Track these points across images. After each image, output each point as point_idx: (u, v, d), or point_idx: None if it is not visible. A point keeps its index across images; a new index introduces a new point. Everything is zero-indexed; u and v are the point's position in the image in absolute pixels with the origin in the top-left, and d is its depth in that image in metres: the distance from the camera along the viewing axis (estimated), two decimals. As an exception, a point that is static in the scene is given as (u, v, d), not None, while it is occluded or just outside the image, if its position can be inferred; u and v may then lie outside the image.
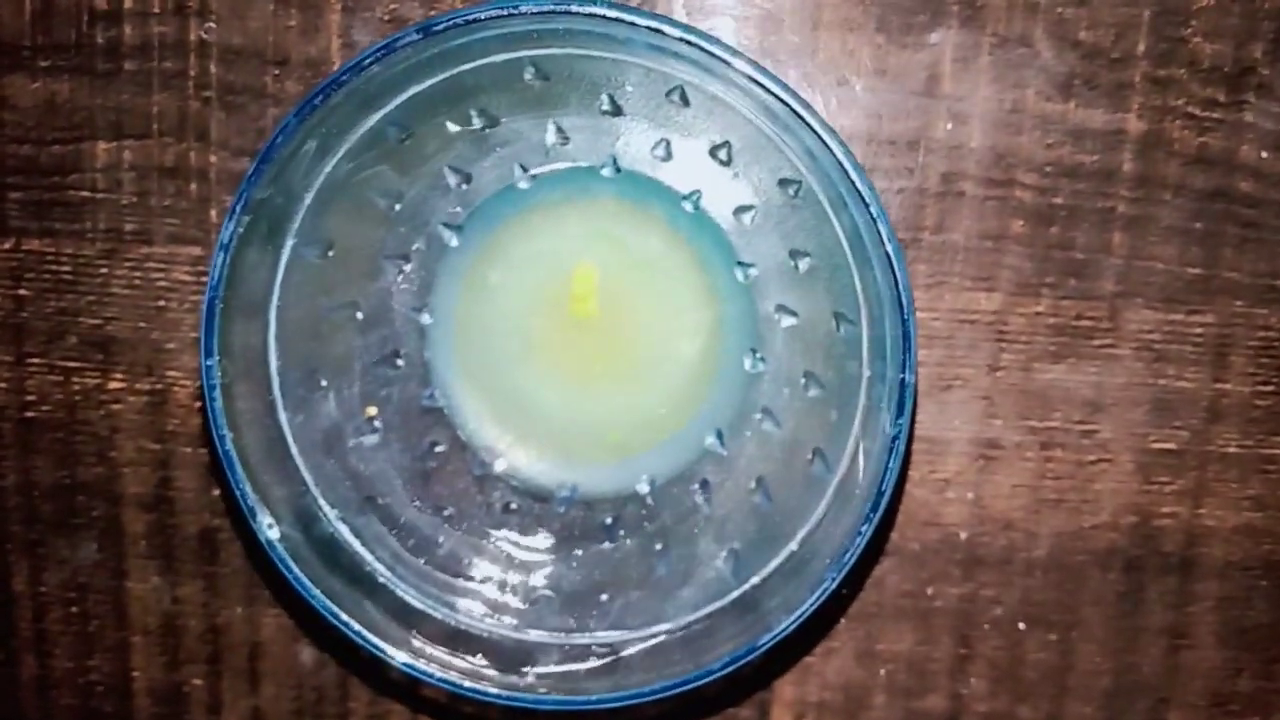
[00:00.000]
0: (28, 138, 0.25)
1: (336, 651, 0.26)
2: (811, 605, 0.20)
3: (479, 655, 0.21)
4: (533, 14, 0.18)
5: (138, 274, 0.26)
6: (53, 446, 0.26)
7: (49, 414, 0.26)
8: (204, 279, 0.26)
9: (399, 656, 0.20)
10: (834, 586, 0.19)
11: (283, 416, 0.21)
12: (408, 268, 0.24)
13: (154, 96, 0.25)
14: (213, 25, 0.25)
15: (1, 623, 0.27)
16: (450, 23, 0.18)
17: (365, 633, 0.20)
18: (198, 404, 0.26)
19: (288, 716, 0.27)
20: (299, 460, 0.21)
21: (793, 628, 0.20)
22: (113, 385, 0.26)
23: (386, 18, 0.24)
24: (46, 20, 0.25)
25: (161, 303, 0.26)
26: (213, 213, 0.25)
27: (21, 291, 0.26)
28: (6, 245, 0.26)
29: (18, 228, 0.26)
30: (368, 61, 0.18)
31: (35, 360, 0.26)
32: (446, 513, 0.24)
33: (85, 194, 0.26)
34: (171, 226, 0.26)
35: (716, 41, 0.19)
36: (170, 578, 0.27)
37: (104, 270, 0.26)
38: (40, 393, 0.26)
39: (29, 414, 0.26)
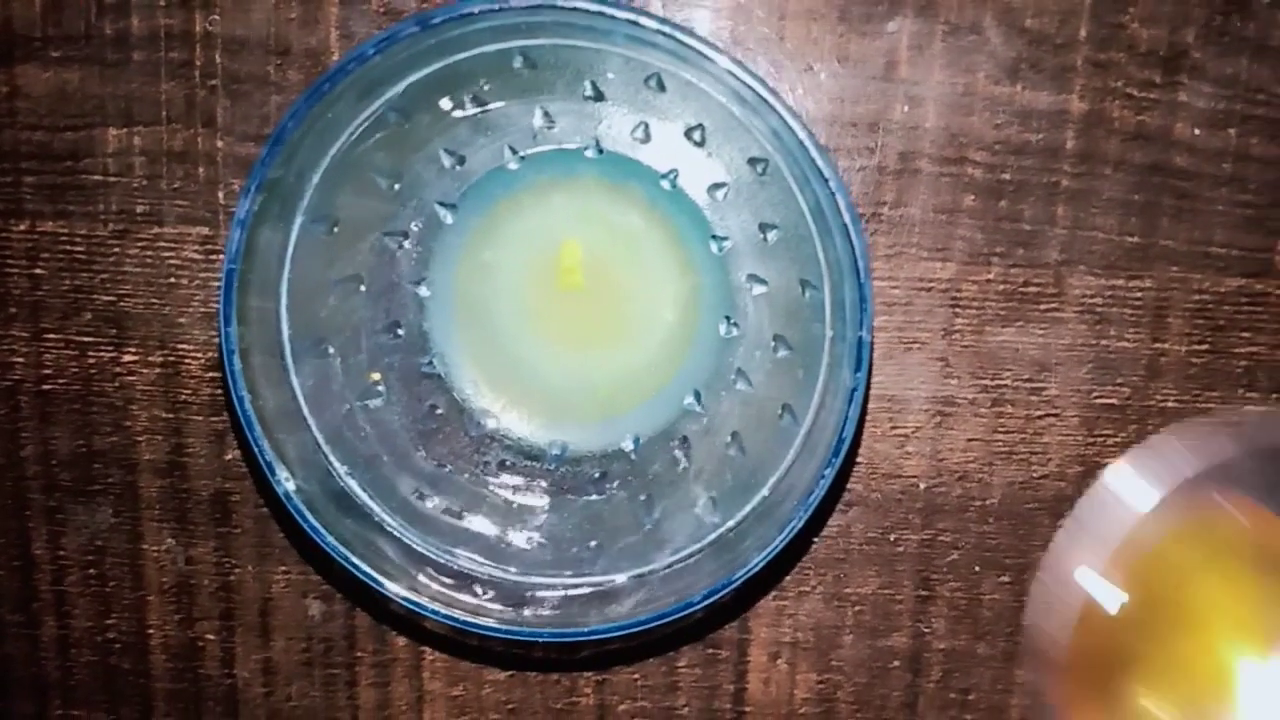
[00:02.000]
0: (41, 124, 0.27)
1: (344, 604, 0.28)
2: (781, 542, 0.21)
3: (480, 594, 0.23)
4: (522, 8, 0.20)
5: (149, 253, 0.27)
6: (70, 417, 0.28)
7: (66, 386, 0.28)
8: (213, 257, 0.27)
9: (406, 595, 0.22)
10: (800, 525, 0.21)
11: (294, 381, 0.23)
12: (407, 244, 0.25)
13: (162, 85, 0.26)
14: (217, 18, 0.26)
15: (23, 586, 0.28)
16: (446, 16, 0.20)
17: (374, 574, 0.22)
18: (209, 374, 0.27)
19: (298, 667, 0.28)
20: (310, 420, 0.23)
21: (764, 563, 0.22)
22: (127, 358, 0.27)
23: (381, 9, 0.26)
24: (57, 13, 0.26)
25: (172, 280, 0.27)
26: (220, 194, 0.27)
27: (38, 270, 0.27)
28: (22, 227, 0.27)
29: (33, 210, 0.27)
30: (371, 51, 0.20)
31: (52, 336, 0.28)
32: (447, 469, 0.25)
33: (97, 178, 0.27)
34: (181, 208, 0.27)
35: (690, 32, 0.20)
36: (184, 539, 0.28)
37: (116, 250, 0.27)
38: (57, 366, 0.28)
39: (47, 386, 0.28)
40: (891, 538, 0.28)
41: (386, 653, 0.28)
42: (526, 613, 0.22)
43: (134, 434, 0.28)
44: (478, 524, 0.25)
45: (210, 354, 0.27)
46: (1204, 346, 0.27)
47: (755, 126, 0.22)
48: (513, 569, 0.23)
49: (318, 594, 0.28)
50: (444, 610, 0.22)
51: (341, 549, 0.22)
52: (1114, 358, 0.27)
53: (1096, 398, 0.27)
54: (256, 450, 0.21)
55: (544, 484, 0.26)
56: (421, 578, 0.22)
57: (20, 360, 0.28)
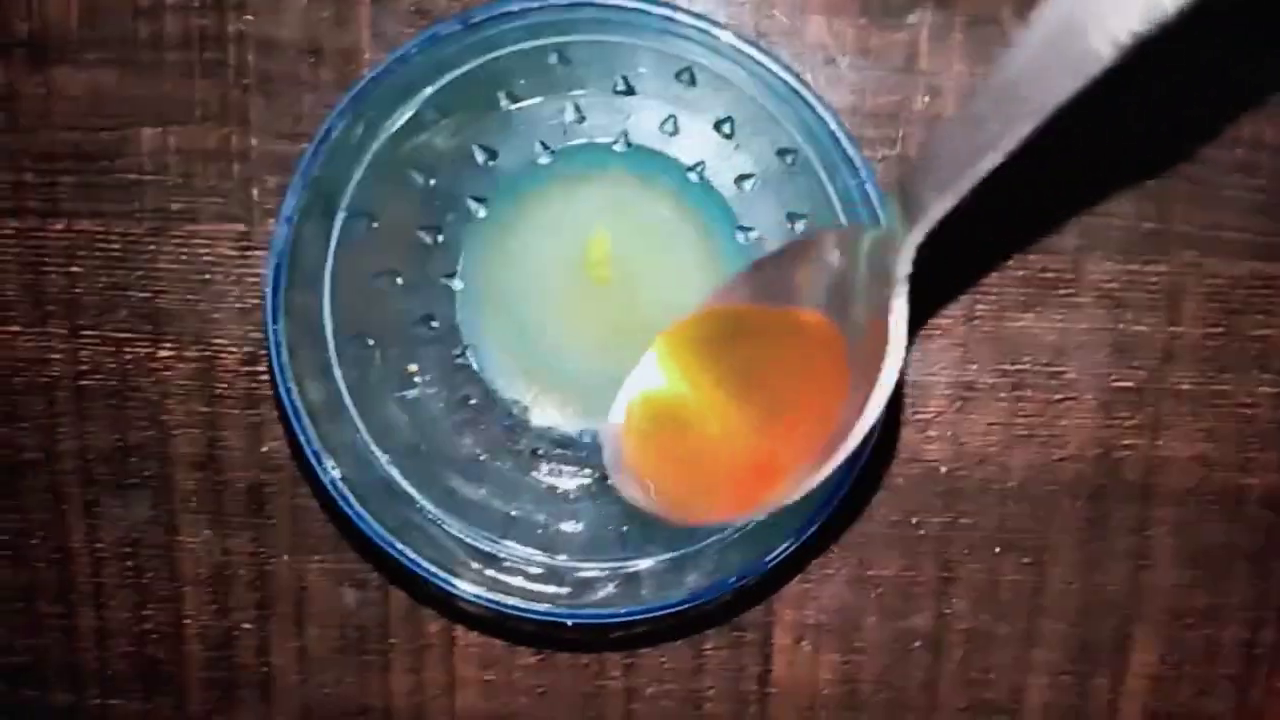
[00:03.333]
0: (77, 125, 0.27)
1: (377, 591, 0.29)
2: (810, 528, 0.22)
3: (518, 578, 0.23)
4: (560, 5, 0.20)
5: (184, 250, 0.28)
6: (107, 412, 0.28)
7: (102, 382, 0.28)
8: (248, 254, 0.28)
9: (448, 580, 0.23)
10: (829, 514, 0.22)
11: (337, 372, 0.23)
12: (440, 238, 0.26)
13: (196, 85, 0.27)
14: (250, 18, 0.27)
15: (61, 578, 0.29)
16: (488, 14, 0.20)
17: (418, 559, 0.22)
18: (244, 369, 0.28)
19: (332, 654, 0.29)
20: (352, 411, 0.23)
21: (792, 549, 0.22)
22: (162, 353, 0.28)
23: (413, 8, 0.26)
24: (92, 16, 0.27)
25: (207, 276, 0.28)
26: (254, 192, 0.27)
27: (74, 269, 0.28)
28: (59, 226, 0.28)
29: (69, 209, 0.28)
30: (414, 51, 0.20)
31: (89, 332, 0.28)
32: (484, 457, 0.26)
33: (133, 176, 0.27)
34: (215, 205, 0.27)
35: (724, 26, 0.21)
36: (220, 531, 0.28)
37: (152, 247, 0.28)
38: (94, 362, 0.28)
39: (84, 382, 0.28)
40: (913, 520, 0.28)
41: (419, 639, 0.29)
42: (567, 596, 0.23)
43: (170, 428, 0.28)
44: (518, 510, 0.25)
45: (246, 349, 0.28)
46: (1218, 329, 0.27)
47: (786, 118, 0.23)
48: (556, 555, 0.24)
49: (352, 582, 0.29)
50: (488, 595, 0.23)
51: (388, 536, 0.22)
52: (1130, 341, 0.27)
53: (1114, 381, 0.28)
54: (304, 440, 0.22)
55: (578, 471, 0.26)
56: (473, 564, 0.23)
57: (58, 356, 0.28)
